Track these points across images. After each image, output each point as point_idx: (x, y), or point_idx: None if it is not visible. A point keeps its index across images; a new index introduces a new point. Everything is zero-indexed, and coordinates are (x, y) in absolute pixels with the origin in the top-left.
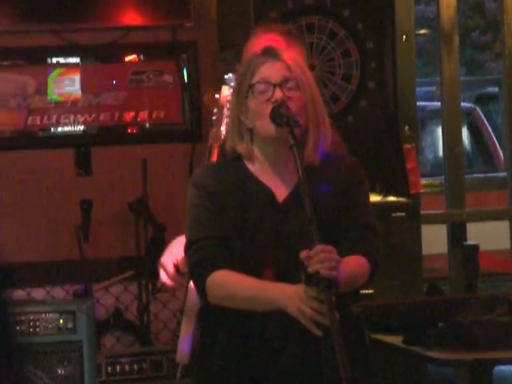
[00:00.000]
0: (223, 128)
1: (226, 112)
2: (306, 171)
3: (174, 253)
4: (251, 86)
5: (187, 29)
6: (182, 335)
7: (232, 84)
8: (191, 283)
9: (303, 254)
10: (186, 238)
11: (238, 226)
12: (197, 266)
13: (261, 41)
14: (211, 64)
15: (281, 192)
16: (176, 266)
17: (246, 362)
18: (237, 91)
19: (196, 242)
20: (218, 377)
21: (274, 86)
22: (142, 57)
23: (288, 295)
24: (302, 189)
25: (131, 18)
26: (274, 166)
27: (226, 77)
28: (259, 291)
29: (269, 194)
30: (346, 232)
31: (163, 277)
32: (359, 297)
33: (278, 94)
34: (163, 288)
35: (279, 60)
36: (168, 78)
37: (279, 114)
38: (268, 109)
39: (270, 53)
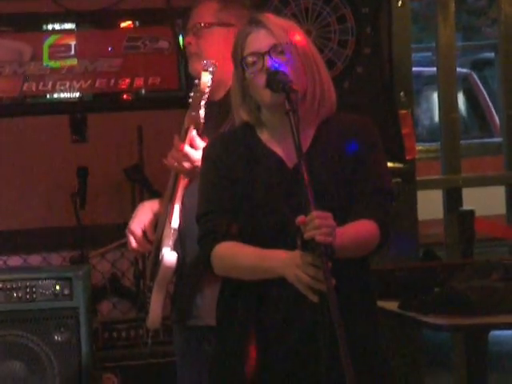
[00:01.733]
0: (202, 112)
1: (205, 97)
2: (315, 131)
3: (142, 219)
4: (243, 60)
5: None
6: (154, 302)
7: (211, 69)
8: (164, 250)
9: (299, 219)
10: (197, 210)
11: (248, 195)
12: (201, 239)
13: (197, 8)
14: None
15: (291, 158)
16: (144, 232)
17: (261, 332)
18: (234, 64)
19: (202, 215)
20: (236, 345)
21: (263, 55)
22: (137, 23)
23: (285, 262)
24: (298, 154)
25: None
26: (282, 131)
27: (204, 62)
28: (258, 260)
29: (278, 161)
30: (356, 196)
31: (132, 243)
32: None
33: (268, 62)
34: (135, 252)
35: (262, 27)
36: (164, 43)
37: (275, 81)
38: (262, 79)
39: (253, 21)
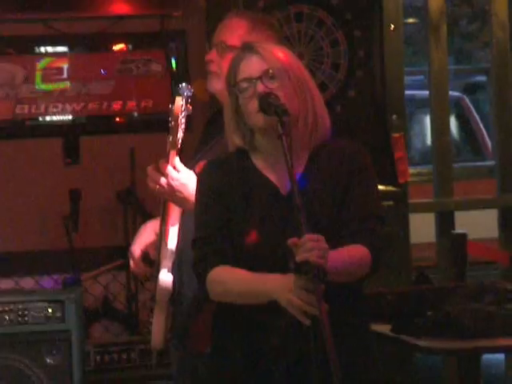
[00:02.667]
0: (180, 135)
1: (180, 121)
2: (309, 155)
3: (144, 240)
4: (235, 85)
5: (176, 18)
6: (155, 323)
7: (185, 94)
8: (161, 271)
9: (291, 241)
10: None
11: (243, 222)
12: (197, 265)
13: (226, 23)
14: (200, 53)
15: (285, 184)
16: (144, 253)
17: (254, 358)
18: (227, 90)
19: (197, 240)
20: (229, 371)
21: (255, 80)
22: (130, 46)
23: (278, 286)
24: (291, 178)
25: (119, 6)
26: (275, 156)
27: (179, 86)
28: (252, 284)
29: (272, 188)
30: (347, 221)
31: (131, 264)
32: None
33: (259, 87)
34: (136, 275)
35: (254, 53)
36: (156, 67)
37: (267, 104)
38: (254, 104)
39: (246, 47)
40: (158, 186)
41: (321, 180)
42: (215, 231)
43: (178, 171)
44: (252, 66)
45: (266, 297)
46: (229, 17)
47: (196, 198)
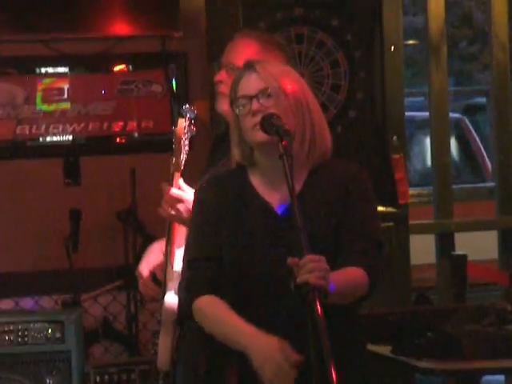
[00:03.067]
0: (183, 157)
1: (183, 143)
2: (308, 175)
3: (151, 260)
4: (235, 101)
5: (176, 39)
6: (161, 344)
7: (188, 115)
8: (167, 293)
9: (291, 260)
10: (184, 255)
11: (234, 240)
12: (184, 289)
13: (235, 44)
14: (200, 74)
15: (279, 203)
16: (152, 274)
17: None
18: (230, 105)
19: (189, 261)
20: None
21: (251, 98)
22: (130, 67)
23: (253, 347)
24: (292, 198)
25: (120, 27)
26: (272, 175)
27: (182, 108)
28: (228, 333)
29: (266, 207)
30: (346, 244)
31: (140, 286)
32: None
33: (255, 105)
34: (144, 296)
35: (254, 72)
36: (157, 87)
37: (269, 124)
38: (250, 121)
39: (247, 66)
40: (171, 210)
41: (318, 200)
42: (205, 254)
43: (184, 192)
44: (250, 83)
45: (241, 349)
46: (237, 37)
47: (192, 217)
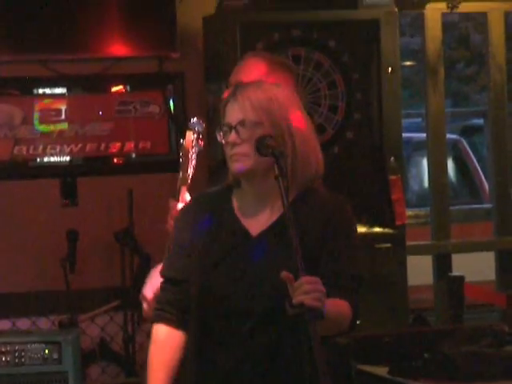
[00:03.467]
0: (190, 172)
1: (191, 157)
2: (290, 203)
3: (155, 282)
4: (221, 126)
5: (174, 59)
6: None
7: (196, 129)
8: None
9: (285, 274)
10: None
11: (203, 260)
12: (154, 308)
13: (244, 64)
14: (198, 95)
15: (256, 226)
16: (156, 296)
17: None
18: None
19: (161, 282)
20: None
21: (230, 128)
22: (128, 87)
23: None
24: (288, 219)
25: (118, 48)
26: (256, 198)
27: (190, 122)
28: None
29: (241, 230)
30: (329, 276)
31: (144, 308)
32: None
33: (231, 137)
34: (148, 319)
35: (236, 100)
36: (154, 108)
37: (263, 145)
38: (228, 151)
39: (233, 91)
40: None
41: (297, 230)
42: (173, 276)
43: None
44: (232, 112)
45: None
46: (246, 58)
47: (172, 234)
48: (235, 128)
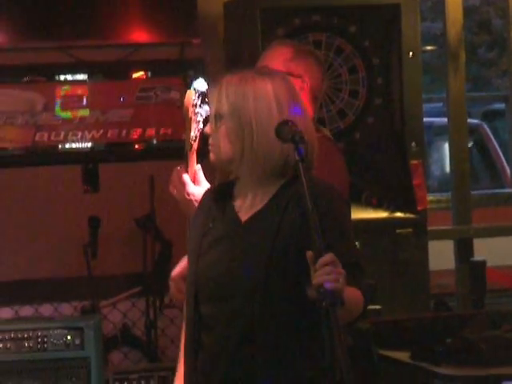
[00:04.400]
0: (194, 135)
1: (192, 117)
2: (277, 190)
3: (181, 264)
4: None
5: (194, 45)
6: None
7: (198, 89)
8: None
9: (309, 254)
10: None
11: (197, 249)
12: None
13: (271, 51)
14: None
15: (246, 213)
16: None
17: None
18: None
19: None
20: None
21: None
22: (149, 73)
23: None
24: (307, 202)
25: (139, 35)
26: (248, 186)
27: (193, 82)
28: None
29: (232, 214)
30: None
31: (172, 290)
32: (366, 315)
33: (207, 128)
34: (171, 304)
35: (216, 89)
36: (175, 94)
37: (284, 131)
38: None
39: (220, 79)
40: (175, 191)
41: (281, 218)
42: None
43: (196, 184)
44: (212, 101)
45: None
46: (272, 46)
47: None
48: (211, 118)
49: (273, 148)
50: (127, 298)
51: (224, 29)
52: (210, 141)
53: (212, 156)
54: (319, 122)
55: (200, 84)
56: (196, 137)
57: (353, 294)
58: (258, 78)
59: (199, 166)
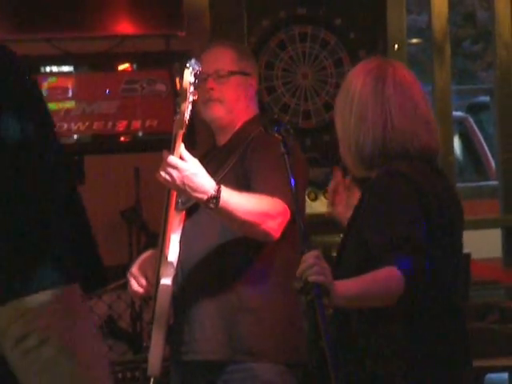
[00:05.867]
0: (187, 115)
1: (188, 97)
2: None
3: (140, 261)
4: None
5: (180, 38)
6: (153, 345)
7: (195, 68)
8: (161, 279)
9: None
10: None
11: None
12: None
13: (213, 53)
14: None
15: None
16: (142, 269)
17: None
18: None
19: None
20: None
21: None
22: (135, 66)
23: None
24: (294, 197)
25: (124, 26)
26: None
27: (188, 62)
28: None
29: None
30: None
31: (133, 285)
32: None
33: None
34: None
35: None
36: (161, 86)
37: (271, 122)
38: None
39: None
40: (166, 176)
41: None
42: None
43: (183, 160)
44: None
45: None
46: (214, 47)
47: None
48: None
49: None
50: (113, 290)
51: (209, 21)
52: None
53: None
54: (304, 114)
55: (195, 64)
56: (188, 117)
57: (377, 278)
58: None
59: (182, 145)
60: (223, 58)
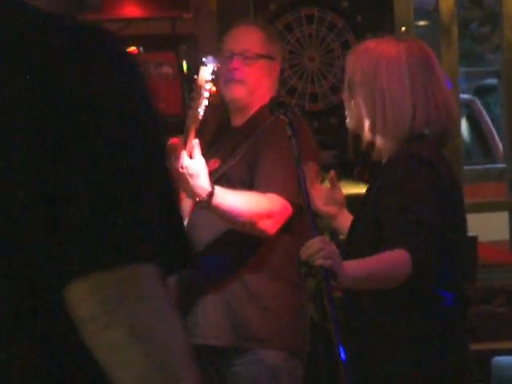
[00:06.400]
0: (201, 110)
1: (203, 94)
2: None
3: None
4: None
5: (187, 20)
6: None
7: (211, 65)
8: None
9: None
10: None
11: None
12: None
13: (240, 31)
14: (211, 55)
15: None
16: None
17: None
18: None
19: None
20: None
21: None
22: (141, 48)
23: None
24: (301, 178)
25: (131, 9)
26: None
27: (204, 59)
28: None
29: None
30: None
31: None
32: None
33: (344, 96)
34: None
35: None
36: (168, 69)
37: (277, 105)
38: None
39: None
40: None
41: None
42: None
43: (192, 157)
44: (348, 71)
45: None
46: (240, 25)
47: None
48: (346, 86)
49: (402, 118)
50: None
51: (216, 3)
52: (346, 108)
53: (349, 123)
54: (311, 97)
55: (212, 61)
56: (203, 112)
57: (380, 259)
58: (393, 46)
59: (197, 140)
60: (252, 39)
